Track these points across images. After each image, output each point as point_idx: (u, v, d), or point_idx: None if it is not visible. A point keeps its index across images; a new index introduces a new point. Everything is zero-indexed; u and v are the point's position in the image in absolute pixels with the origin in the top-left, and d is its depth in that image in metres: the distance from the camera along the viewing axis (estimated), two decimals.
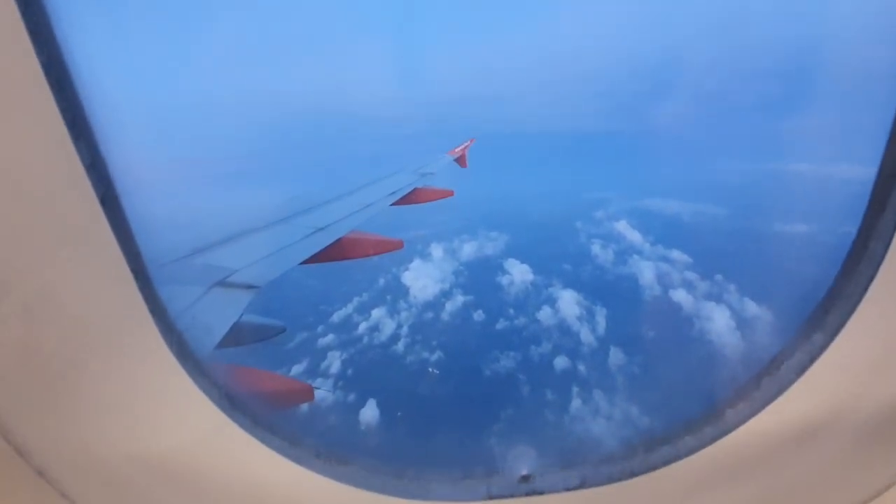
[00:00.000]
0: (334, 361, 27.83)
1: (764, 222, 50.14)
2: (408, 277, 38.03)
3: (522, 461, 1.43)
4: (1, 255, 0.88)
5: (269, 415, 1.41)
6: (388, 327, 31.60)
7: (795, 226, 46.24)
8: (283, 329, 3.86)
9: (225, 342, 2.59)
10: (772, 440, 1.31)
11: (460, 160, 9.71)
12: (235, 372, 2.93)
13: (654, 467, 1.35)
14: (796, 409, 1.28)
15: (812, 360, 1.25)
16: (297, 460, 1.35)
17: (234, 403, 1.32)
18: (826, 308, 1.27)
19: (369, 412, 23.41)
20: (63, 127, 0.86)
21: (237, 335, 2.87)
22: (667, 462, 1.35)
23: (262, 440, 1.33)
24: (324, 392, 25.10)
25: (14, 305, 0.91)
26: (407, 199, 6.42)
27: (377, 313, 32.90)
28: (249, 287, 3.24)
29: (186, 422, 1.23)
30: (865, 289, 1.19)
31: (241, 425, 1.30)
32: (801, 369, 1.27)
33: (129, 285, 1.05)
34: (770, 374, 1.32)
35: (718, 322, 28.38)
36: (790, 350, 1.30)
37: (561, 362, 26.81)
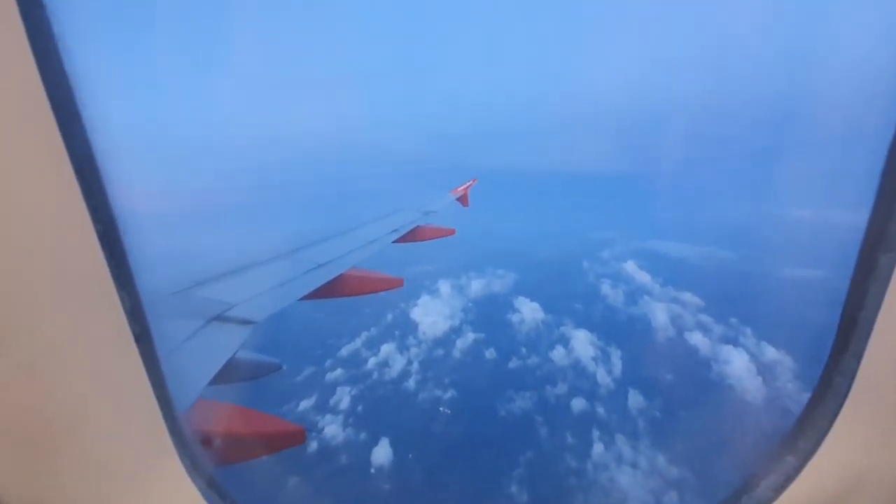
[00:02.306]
0: (344, 397, 27.04)
1: (773, 267, 50.09)
2: (416, 313, 37.71)
3: None
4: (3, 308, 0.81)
5: None
6: (398, 363, 30.95)
7: (805, 271, 46.31)
8: (279, 366, 3.80)
9: (219, 378, 2.49)
10: None
11: (462, 199, 9.82)
12: (226, 411, 2.83)
13: None
14: None
15: (787, 480, 1.26)
16: None
17: (220, 493, 1.28)
18: (797, 433, 1.28)
19: (382, 451, 22.49)
20: (70, 170, 0.80)
21: (232, 371, 2.78)
22: None
23: None
24: (335, 428, 24.31)
25: (13, 361, 0.84)
26: (409, 237, 6.43)
27: (386, 349, 32.34)
28: (246, 322, 3.16)
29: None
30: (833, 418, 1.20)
31: None
32: (779, 489, 1.27)
33: (131, 350, 1.00)
34: (749, 491, 1.31)
35: (736, 365, 27.81)
36: (767, 470, 1.30)
37: (578, 404, 26.05)
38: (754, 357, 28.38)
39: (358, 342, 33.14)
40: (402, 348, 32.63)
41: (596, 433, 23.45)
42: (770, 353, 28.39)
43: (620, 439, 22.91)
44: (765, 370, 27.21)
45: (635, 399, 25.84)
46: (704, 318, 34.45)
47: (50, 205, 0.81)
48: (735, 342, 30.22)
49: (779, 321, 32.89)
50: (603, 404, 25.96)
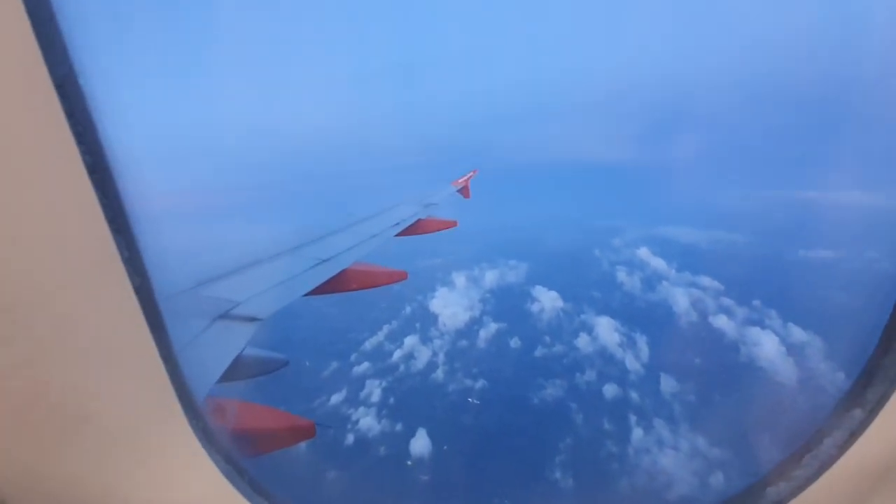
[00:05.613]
0: (374, 390, 27.00)
1: (784, 248, 50.14)
2: (435, 305, 37.67)
3: None
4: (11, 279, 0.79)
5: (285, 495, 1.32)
6: (424, 355, 30.90)
7: (817, 252, 46.42)
8: (286, 362, 3.81)
9: (227, 376, 2.48)
10: None
11: (463, 191, 9.75)
12: (234, 407, 2.87)
13: None
14: (838, 489, 1.22)
15: (853, 436, 1.20)
16: None
17: (242, 472, 1.24)
18: (865, 383, 1.22)
19: (419, 442, 22.47)
20: (79, 161, 0.80)
21: (239, 369, 2.78)
22: None
23: None
24: (369, 420, 24.26)
25: (21, 332, 0.81)
26: (411, 230, 6.43)
27: (410, 341, 32.29)
28: (252, 319, 3.15)
29: (188, 487, 1.14)
30: None
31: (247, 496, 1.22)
32: (844, 446, 1.21)
33: (142, 329, 0.98)
34: (812, 450, 1.26)
35: (766, 348, 27.83)
36: (831, 426, 1.25)
37: (610, 390, 26.06)
38: (783, 339, 28.37)
39: (380, 335, 33.08)
40: (426, 340, 32.57)
41: (633, 418, 23.46)
42: (797, 333, 28.44)
43: (659, 423, 22.94)
44: (794, 350, 27.25)
45: (667, 383, 25.85)
46: (726, 301, 34.49)
47: (59, 196, 0.81)
48: (761, 324, 30.26)
49: (800, 303, 32.96)
50: (635, 389, 25.96)
